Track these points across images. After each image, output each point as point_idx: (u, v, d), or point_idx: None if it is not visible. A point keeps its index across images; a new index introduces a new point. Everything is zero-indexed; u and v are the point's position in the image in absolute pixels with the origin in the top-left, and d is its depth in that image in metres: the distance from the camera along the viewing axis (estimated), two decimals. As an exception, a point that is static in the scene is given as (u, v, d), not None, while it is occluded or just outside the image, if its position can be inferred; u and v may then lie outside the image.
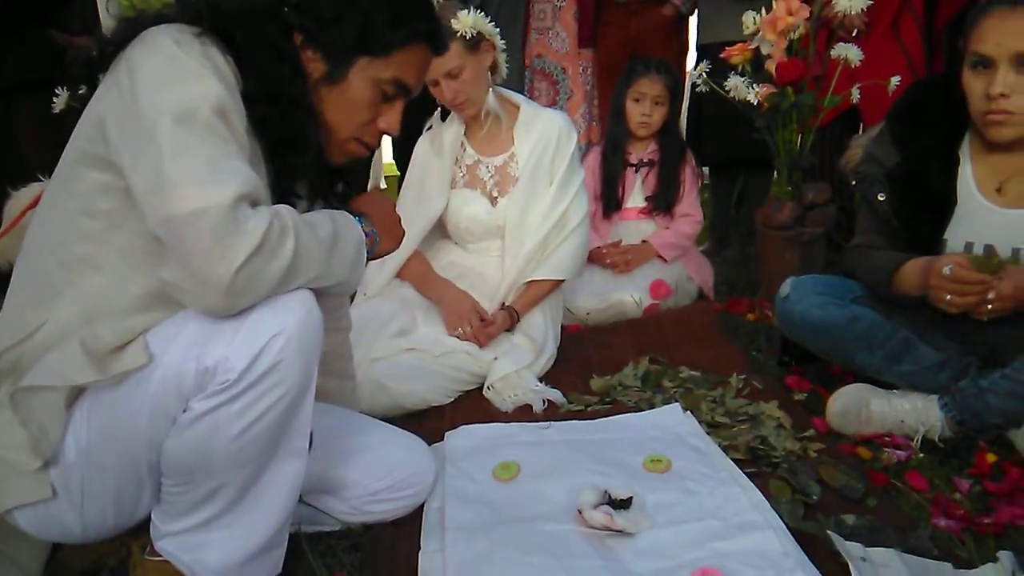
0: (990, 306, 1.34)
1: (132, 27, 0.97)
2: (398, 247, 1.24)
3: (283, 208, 0.94)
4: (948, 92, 1.49)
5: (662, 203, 2.51)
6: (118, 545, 1.16)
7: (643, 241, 2.47)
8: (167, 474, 0.97)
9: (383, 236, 1.18)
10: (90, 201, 0.98)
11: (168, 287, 0.91)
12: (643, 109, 2.47)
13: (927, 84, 1.62)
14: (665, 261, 2.45)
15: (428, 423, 1.69)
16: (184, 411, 0.92)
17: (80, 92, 2.45)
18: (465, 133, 2.05)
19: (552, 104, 3.32)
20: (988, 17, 1.38)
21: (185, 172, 0.86)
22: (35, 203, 1.20)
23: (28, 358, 0.98)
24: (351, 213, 1.12)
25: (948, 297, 1.36)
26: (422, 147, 2.09)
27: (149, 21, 0.97)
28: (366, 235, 1.11)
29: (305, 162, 1.06)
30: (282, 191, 1.06)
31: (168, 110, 0.89)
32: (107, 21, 3.41)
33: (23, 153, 2.99)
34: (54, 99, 2.32)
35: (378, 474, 1.27)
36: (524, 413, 1.74)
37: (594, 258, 2.37)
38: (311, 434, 1.04)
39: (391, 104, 1.11)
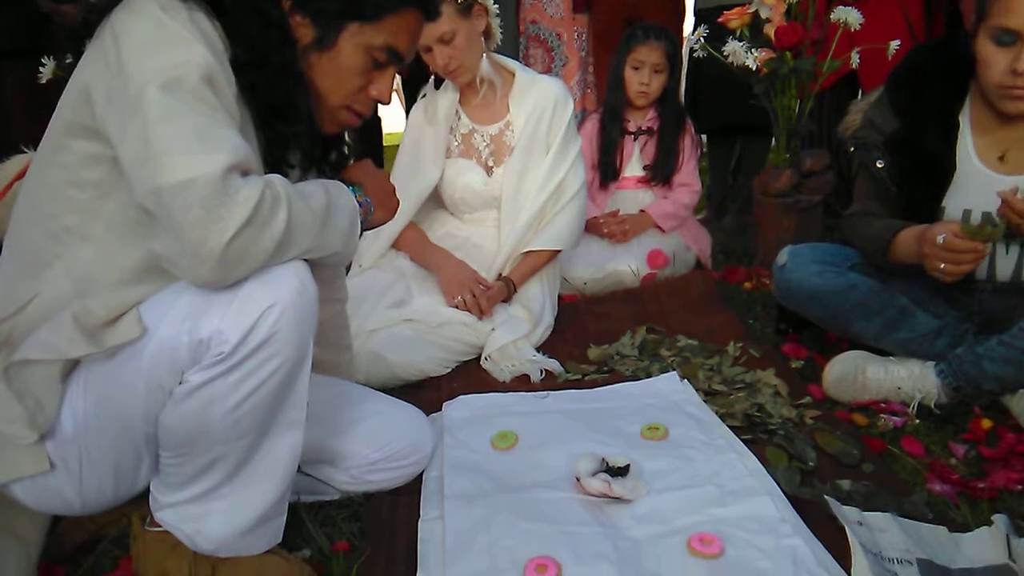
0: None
1: (118, -8, 0.94)
2: (392, 218, 1.23)
3: (275, 178, 0.92)
4: (949, 57, 1.46)
5: (660, 174, 2.48)
6: (118, 516, 1.16)
7: (641, 211, 2.45)
8: (164, 446, 0.97)
9: (377, 206, 1.17)
10: (77, 172, 0.96)
11: (160, 259, 0.89)
12: (642, 78, 2.43)
13: (927, 49, 1.59)
14: (663, 231, 2.44)
15: (425, 394, 1.69)
16: (179, 384, 0.92)
17: (67, 61, 2.40)
18: (460, 101, 2.02)
19: (547, 71, 3.27)
20: None
21: (173, 141, 0.84)
22: (22, 174, 1.18)
23: (20, 331, 0.98)
24: (344, 183, 1.11)
25: (942, 266, 1.36)
26: (416, 116, 2.06)
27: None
28: (360, 205, 1.10)
29: (296, 130, 1.04)
30: (274, 160, 1.04)
31: (155, 77, 0.87)
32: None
33: (9, 122, 2.96)
34: (40, 68, 2.29)
35: (377, 444, 1.28)
36: (522, 383, 1.75)
37: (591, 228, 2.36)
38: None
39: (383, 71, 1.09)
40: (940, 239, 1.34)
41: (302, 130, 1.05)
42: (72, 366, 0.95)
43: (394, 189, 1.22)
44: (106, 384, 0.94)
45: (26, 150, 2.05)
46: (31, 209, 1.01)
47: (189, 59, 0.88)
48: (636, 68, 2.44)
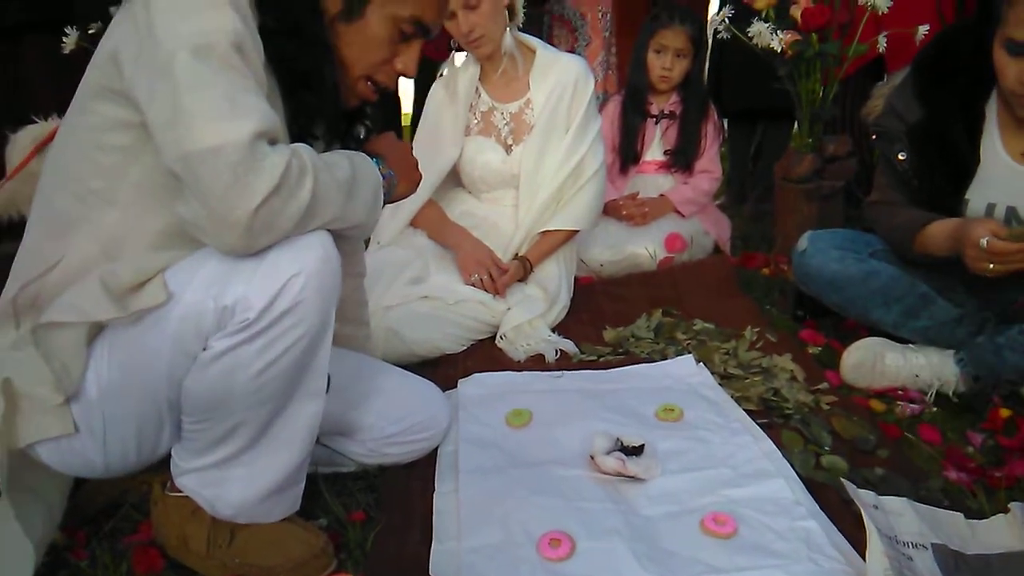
0: None
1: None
2: (415, 191, 1.23)
3: (301, 147, 0.93)
4: (976, 45, 1.43)
5: (682, 160, 2.46)
6: (139, 481, 1.18)
7: (661, 195, 2.44)
8: (187, 412, 0.99)
9: (400, 179, 1.17)
10: (105, 136, 0.97)
11: (186, 225, 0.90)
12: (664, 62, 2.40)
13: (955, 33, 1.55)
14: (682, 216, 2.42)
15: (441, 371, 1.70)
16: (204, 349, 0.93)
17: (90, 32, 2.41)
18: (480, 78, 2.01)
19: (570, 51, 3.24)
20: None
21: (202, 107, 0.85)
22: (42, 145, 1.19)
23: (47, 293, 0.99)
24: (368, 155, 1.11)
25: (991, 266, 1.34)
26: (436, 93, 2.05)
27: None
28: (383, 177, 1.10)
29: (321, 100, 1.04)
30: (298, 130, 1.05)
31: (185, 43, 0.87)
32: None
33: (33, 94, 2.97)
34: (63, 39, 2.30)
35: (394, 417, 1.29)
36: (537, 363, 1.75)
37: (610, 210, 2.35)
38: (328, 376, 1.04)
39: (409, 44, 1.09)
40: (984, 242, 1.32)
41: (328, 100, 1.05)
42: (98, 330, 0.96)
43: (416, 163, 1.23)
44: (131, 349, 0.95)
45: (36, 120, 2.06)
46: (58, 173, 1.02)
47: (220, 26, 0.89)
48: (659, 52, 2.41)
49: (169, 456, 1.06)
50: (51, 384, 0.96)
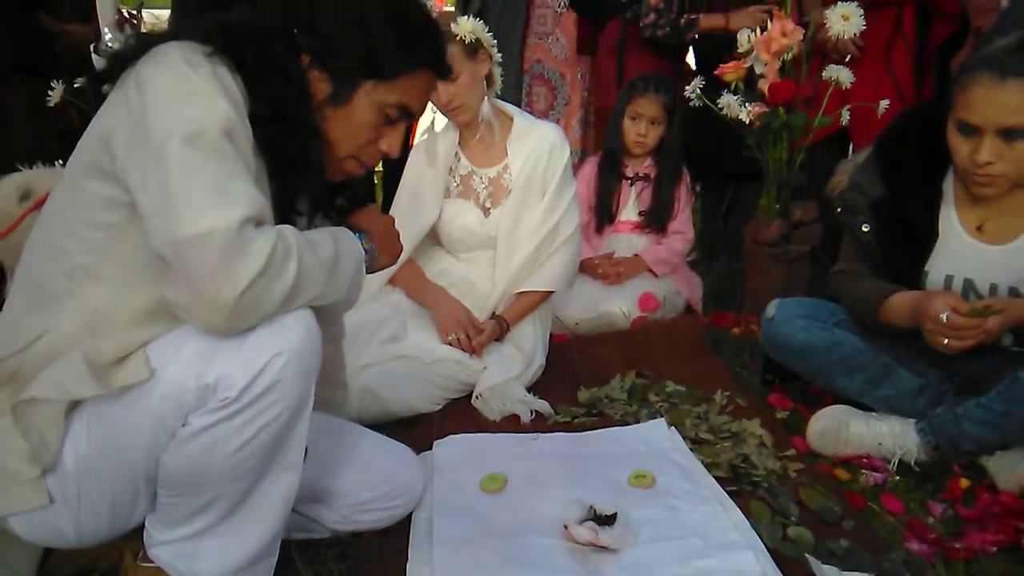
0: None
1: (143, 44, 0.98)
2: (396, 263, 1.26)
3: (287, 229, 0.95)
4: (934, 125, 1.52)
5: (656, 221, 2.53)
6: (109, 550, 1.17)
7: (635, 255, 2.50)
8: (164, 485, 0.99)
9: (382, 252, 1.20)
10: (94, 213, 0.99)
11: (172, 306, 0.92)
12: (639, 129, 2.49)
13: (913, 116, 1.65)
14: (656, 276, 2.48)
15: (417, 430, 1.71)
16: (183, 425, 0.94)
17: (76, 85, 2.43)
18: (459, 143, 2.07)
19: (549, 109, 3.34)
20: (976, 85, 1.39)
21: (193, 194, 0.87)
22: (35, 207, 1.21)
23: (28, 367, 0.99)
24: (351, 229, 1.14)
25: (946, 341, 1.40)
26: (416, 155, 2.10)
27: (160, 38, 0.98)
28: (365, 252, 1.13)
29: (307, 180, 1.07)
30: (283, 206, 1.07)
31: (177, 130, 0.90)
32: (103, 8, 3.37)
33: (13, 137, 2.98)
34: (49, 92, 2.32)
35: (368, 484, 1.29)
36: (512, 423, 1.77)
37: (586, 268, 2.40)
38: (305, 447, 1.05)
39: (393, 126, 1.13)
40: (944, 317, 1.38)
41: (313, 180, 1.08)
42: (76, 402, 0.97)
43: (398, 235, 1.26)
44: (110, 423, 0.95)
45: (20, 168, 2.08)
46: (46, 246, 1.03)
47: (211, 113, 0.92)
48: (634, 119, 2.50)
49: (142, 525, 1.06)
50: (27, 456, 0.97)
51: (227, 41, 0.98)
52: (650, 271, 2.48)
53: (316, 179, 1.09)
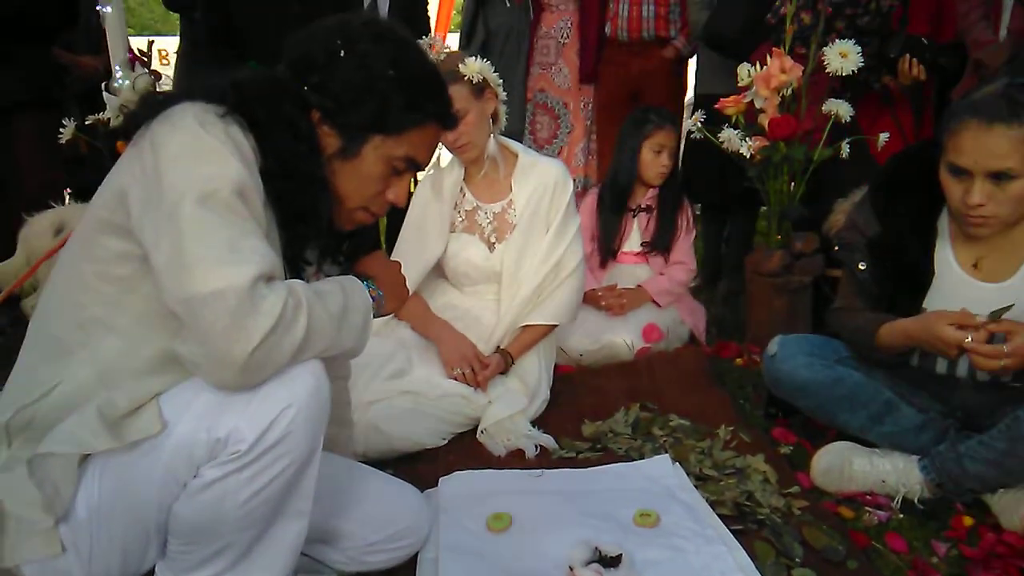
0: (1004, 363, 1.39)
1: (159, 103, 1.01)
2: (401, 308, 1.28)
3: (297, 284, 0.98)
4: (928, 166, 1.55)
5: (660, 245, 2.57)
6: (119, 594, 1.18)
7: (638, 286, 2.52)
8: (174, 534, 1.01)
9: (388, 298, 1.22)
10: (108, 266, 1.01)
11: (183, 362, 0.94)
12: (663, 160, 2.55)
13: (907, 157, 1.68)
14: (659, 306, 2.50)
15: (421, 466, 1.72)
16: (194, 477, 0.96)
17: (87, 123, 2.49)
18: (464, 179, 2.10)
19: (552, 138, 3.38)
20: (965, 130, 1.42)
21: (205, 253, 0.90)
22: (49, 255, 1.23)
23: (42, 417, 1.01)
24: (358, 276, 1.17)
25: (1001, 364, 1.39)
26: (423, 190, 2.13)
27: (175, 99, 1.01)
28: (372, 299, 1.16)
29: (316, 231, 1.10)
30: (292, 257, 1.10)
31: (190, 190, 0.92)
32: (113, 43, 3.44)
33: (22, 169, 3.02)
34: (61, 129, 2.37)
35: (375, 526, 1.31)
36: (517, 457, 1.78)
37: (589, 299, 2.42)
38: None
39: (400, 177, 1.16)
40: (968, 339, 1.40)
41: (321, 231, 1.11)
42: (89, 453, 0.99)
43: (405, 280, 1.28)
44: (123, 474, 0.97)
45: (53, 205, 2.15)
46: (60, 298, 1.06)
47: (224, 173, 0.95)
48: (658, 152, 2.55)
49: (151, 572, 1.07)
50: (41, 506, 0.98)
51: (239, 100, 1.01)
52: (653, 302, 2.50)
53: (325, 231, 1.12)
